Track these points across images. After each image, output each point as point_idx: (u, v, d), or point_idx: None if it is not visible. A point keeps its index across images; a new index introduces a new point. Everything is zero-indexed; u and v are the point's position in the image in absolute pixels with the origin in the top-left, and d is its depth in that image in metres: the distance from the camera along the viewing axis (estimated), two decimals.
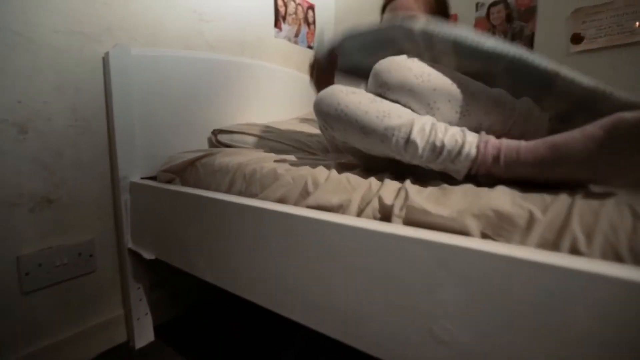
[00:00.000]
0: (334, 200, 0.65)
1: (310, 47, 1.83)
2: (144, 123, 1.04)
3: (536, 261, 0.39)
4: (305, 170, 0.74)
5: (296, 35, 1.72)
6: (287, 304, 0.65)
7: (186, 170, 0.95)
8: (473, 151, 0.58)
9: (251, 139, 1.09)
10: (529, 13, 1.49)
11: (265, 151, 1.04)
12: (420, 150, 0.60)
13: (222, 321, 1.17)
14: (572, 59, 1.43)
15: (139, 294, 1.06)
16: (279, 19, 1.60)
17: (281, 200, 0.72)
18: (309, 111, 1.69)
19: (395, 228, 0.51)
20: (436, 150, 0.59)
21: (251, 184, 0.79)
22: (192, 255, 0.83)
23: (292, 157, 0.89)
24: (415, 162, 0.63)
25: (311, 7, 1.79)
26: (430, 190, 0.58)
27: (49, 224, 0.91)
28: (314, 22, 1.83)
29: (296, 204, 0.70)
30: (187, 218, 0.84)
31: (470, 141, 0.58)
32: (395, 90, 0.62)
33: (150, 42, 1.11)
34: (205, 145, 1.21)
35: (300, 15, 1.73)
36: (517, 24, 1.52)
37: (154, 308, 1.11)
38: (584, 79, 0.57)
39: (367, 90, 0.66)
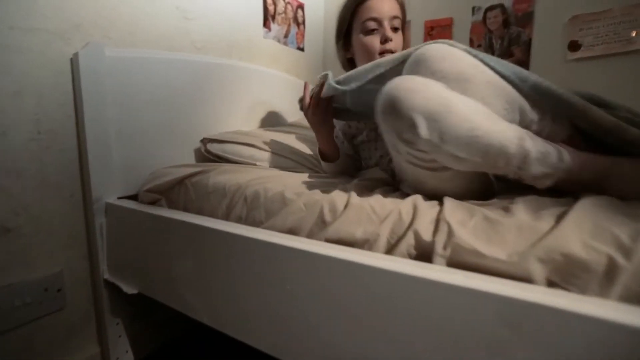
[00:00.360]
0: (358, 233, 0.56)
1: (300, 48, 1.73)
2: (121, 134, 0.91)
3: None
4: (319, 195, 0.64)
5: (285, 36, 1.61)
6: (303, 356, 0.55)
7: (174, 190, 0.83)
8: (568, 158, 0.54)
9: (246, 151, 0.98)
10: (526, 19, 1.46)
11: (265, 166, 0.94)
12: (532, 162, 0.53)
13: (212, 352, 1.06)
14: (569, 66, 1.42)
15: (118, 330, 0.93)
16: (268, 18, 1.49)
17: (292, 231, 0.62)
18: (300, 117, 1.59)
19: (445, 274, 0.43)
20: (543, 158, 0.53)
21: (254, 208, 0.69)
22: (185, 292, 0.71)
23: (298, 176, 0.79)
24: (513, 175, 0.55)
25: (300, 6, 1.69)
26: (476, 222, 0.50)
27: (7, 257, 0.76)
28: (303, 22, 1.73)
29: (310, 235, 0.61)
30: (177, 248, 0.72)
31: (561, 149, 0.55)
32: (452, 80, 0.53)
33: (127, 41, 0.97)
34: (191, 158, 1.09)
35: (290, 14, 1.62)
36: (514, 29, 1.49)
37: (135, 342, 0.98)
38: (607, 118, 0.55)
39: None
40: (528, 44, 1.47)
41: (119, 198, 0.90)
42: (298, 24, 1.69)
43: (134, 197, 0.91)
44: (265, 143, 1.00)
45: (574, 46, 1.40)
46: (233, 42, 1.32)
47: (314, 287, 0.53)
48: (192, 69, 1.09)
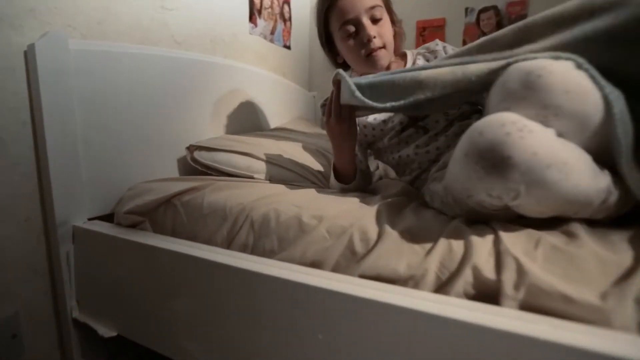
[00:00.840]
0: (401, 267, 0.47)
1: (286, 46, 1.61)
2: (90, 142, 0.76)
3: None
4: (344, 219, 0.54)
5: (272, 33, 1.50)
6: None
7: (159, 211, 0.70)
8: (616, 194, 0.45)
9: (242, 161, 0.85)
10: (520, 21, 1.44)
11: (263, 180, 0.82)
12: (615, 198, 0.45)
13: None
14: None
15: None
16: (254, 12, 1.36)
17: (315, 264, 0.52)
18: (289, 119, 1.48)
19: (538, 328, 0.35)
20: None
21: (264, 236, 0.58)
22: (179, 337, 0.59)
23: (309, 193, 0.68)
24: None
25: (287, 1, 1.58)
26: (544, 253, 0.43)
27: None
28: (290, 19, 1.62)
29: (337, 269, 0.51)
30: (168, 283, 0.60)
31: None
32: (567, 118, 0.43)
33: (95, 32, 0.82)
34: (174, 168, 0.95)
35: (276, 10, 1.51)
36: None
37: None
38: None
39: (499, 108, 0.46)
40: None
41: (90, 219, 0.76)
42: (284, 20, 1.58)
43: (108, 218, 0.77)
44: (262, 152, 0.89)
45: None
46: (217, 37, 1.19)
47: (357, 337, 0.43)
48: (173, 66, 0.95)
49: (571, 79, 0.43)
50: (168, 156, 0.94)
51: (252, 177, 0.84)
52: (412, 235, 0.50)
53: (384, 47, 0.78)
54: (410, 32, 1.63)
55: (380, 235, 0.51)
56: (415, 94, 0.55)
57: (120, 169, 0.82)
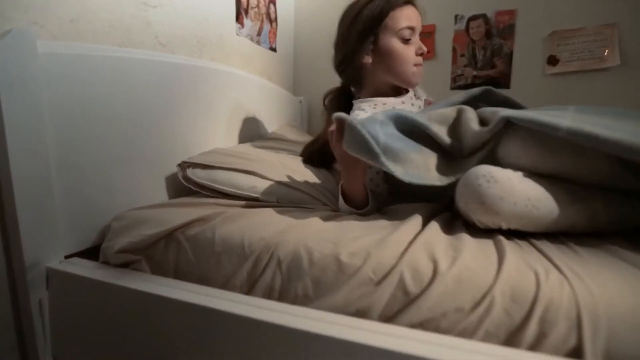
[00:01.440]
0: (467, 304, 0.41)
1: (272, 48, 1.52)
2: (65, 164, 0.64)
3: None
4: (388, 255, 0.48)
5: (258, 34, 1.40)
6: None
7: (158, 246, 0.59)
8: None
9: (245, 180, 0.76)
10: (508, 31, 1.46)
11: (273, 201, 0.74)
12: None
13: None
14: (548, 80, 1.44)
15: None
16: (241, 12, 1.26)
17: (360, 313, 0.45)
18: (277, 126, 1.39)
19: None
20: None
21: (295, 278, 0.50)
22: None
23: (335, 220, 0.61)
24: None
25: (273, 0, 1.48)
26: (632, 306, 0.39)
27: None
28: (276, 19, 1.52)
29: (386, 316, 0.44)
30: (172, 340, 0.50)
31: None
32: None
33: (67, 31, 0.69)
34: (162, 189, 0.83)
35: (263, 9, 1.41)
36: (496, 40, 1.47)
37: None
38: None
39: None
40: (510, 56, 1.47)
41: (67, 257, 0.63)
42: (271, 21, 1.48)
43: (90, 253, 0.65)
44: (265, 168, 0.80)
45: (552, 61, 1.43)
46: (204, 38, 1.08)
47: None
48: (158, 71, 0.83)
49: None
50: (155, 174, 0.82)
51: (257, 199, 0.75)
52: (477, 273, 0.44)
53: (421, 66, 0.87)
54: None
55: (437, 272, 0.45)
56: (430, 180, 0.59)
57: (101, 194, 0.69)
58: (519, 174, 0.53)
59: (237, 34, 1.25)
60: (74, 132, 0.65)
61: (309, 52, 1.75)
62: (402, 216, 0.66)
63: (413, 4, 0.85)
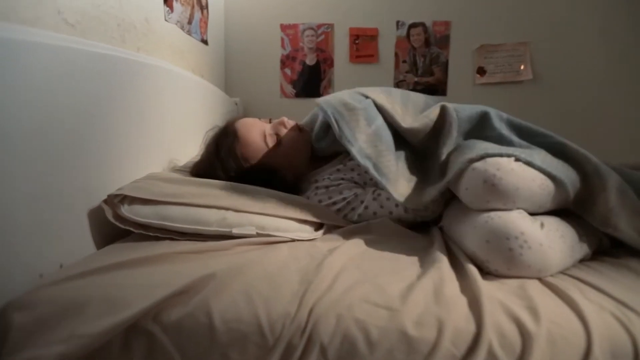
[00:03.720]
0: None
1: (204, 40, 1.28)
2: None
3: None
4: (457, 315, 0.38)
5: (189, 22, 1.15)
6: None
7: (111, 351, 0.37)
8: None
9: (214, 215, 0.57)
10: (444, 41, 1.52)
11: (258, 234, 0.57)
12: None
13: None
14: (477, 89, 1.55)
15: None
16: None
17: None
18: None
19: None
20: None
21: None
22: None
23: (364, 262, 0.48)
24: None
25: None
26: None
27: None
28: (207, 7, 1.29)
29: None
30: None
31: None
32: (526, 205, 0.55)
33: None
34: (85, 230, 0.58)
35: None
36: (434, 49, 1.52)
37: None
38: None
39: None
40: (446, 65, 1.53)
41: None
42: (202, 8, 1.24)
43: None
44: (231, 197, 0.62)
45: (480, 72, 1.54)
46: (125, 22, 0.81)
47: None
48: (65, 62, 0.57)
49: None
50: (72, 214, 0.56)
51: (230, 234, 0.58)
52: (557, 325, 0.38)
53: None
54: (343, 39, 1.52)
55: (524, 334, 0.37)
56: None
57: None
58: (545, 230, 0.52)
59: (166, 19, 0.99)
60: None
61: (242, 46, 1.55)
62: (395, 238, 0.60)
63: None
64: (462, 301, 0.42)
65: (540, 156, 0.56)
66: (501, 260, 0.48)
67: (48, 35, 0.57)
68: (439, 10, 1.51)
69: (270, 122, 0.77)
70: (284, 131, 0.74)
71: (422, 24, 1.51)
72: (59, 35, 0.60)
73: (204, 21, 1.28)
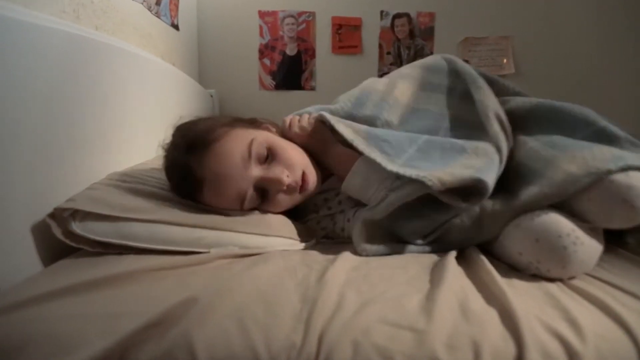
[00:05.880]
0: None
1: (174, 25, 1.16)
2: None
3: None
4: (493, 333, 0.32)
5: (157, 3, 1.03)
6: None
7: None
8: None
9: (191, 234, 0.49)
10: (428, 33, 1.48)
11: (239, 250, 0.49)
12: None
13: None
14: None
15: None
16: None
17: None
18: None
19: None
20: None
21: None
22: None
23: (359, 272, 0.42)
24: None
25: None
26: None
27: None
28: None
29: None
30: None
31: None
32: None
33: None
34: (30, 248, 0.47)
35: None
36: (419, 41, 1.48)
37: None
38: None
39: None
40: None
41: None
42: None
43: None
44: (207, 213, 0.53)
45: None
46: None
47: None
48: (5, 31, 0.46)
49: None
50: (9, 218, 0.46)
51: (208, 253, 0.49)
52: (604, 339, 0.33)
53: None
54: (325, 27, 1.45)
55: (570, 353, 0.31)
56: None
57: None
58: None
59: None
60: None
61: (216, 34, 1.44)
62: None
63: None
64: (492, 315, 0.36)
65: None
66: (556, 260, 0.44)
67: None
68: (424, 0, 1.47)
69: (254, 125, 0.61)
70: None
71: (407, 15, 1.47)
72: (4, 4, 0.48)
73: (175, 3, 1.16)
